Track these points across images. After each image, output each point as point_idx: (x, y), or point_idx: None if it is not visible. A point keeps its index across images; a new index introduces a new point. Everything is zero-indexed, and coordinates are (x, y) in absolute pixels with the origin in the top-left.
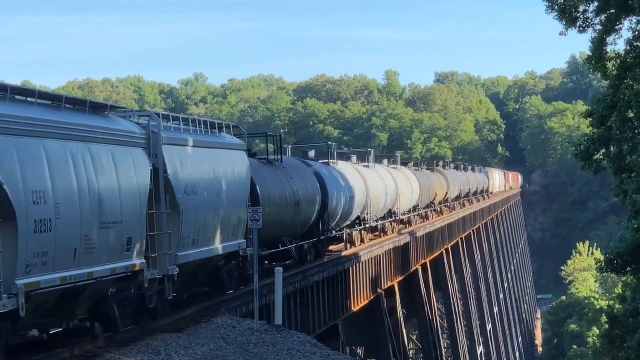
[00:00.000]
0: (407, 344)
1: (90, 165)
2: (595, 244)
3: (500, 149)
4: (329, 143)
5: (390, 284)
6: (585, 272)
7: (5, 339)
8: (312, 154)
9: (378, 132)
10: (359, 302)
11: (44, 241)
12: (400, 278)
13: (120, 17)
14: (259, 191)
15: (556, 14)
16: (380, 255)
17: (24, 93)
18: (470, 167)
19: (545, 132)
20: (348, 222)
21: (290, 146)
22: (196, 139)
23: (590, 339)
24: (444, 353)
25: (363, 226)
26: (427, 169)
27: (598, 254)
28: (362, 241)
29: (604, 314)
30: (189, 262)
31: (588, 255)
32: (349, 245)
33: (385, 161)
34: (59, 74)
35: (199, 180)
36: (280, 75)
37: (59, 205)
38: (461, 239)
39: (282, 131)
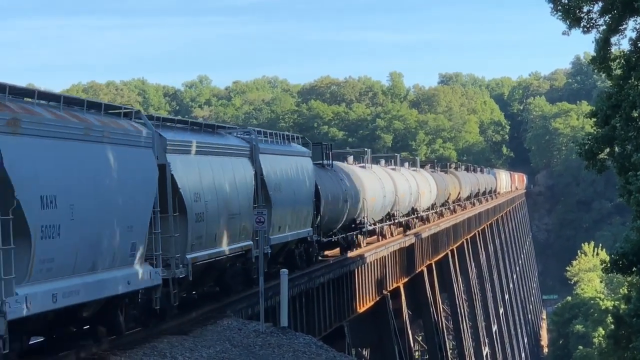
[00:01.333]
0: (412, 345)
1: (221, 173)
2: (600, 244)
3: (504, 149)
4: (365, 149)
5: (395, 285)
6: (590, 273)
7: (175, 296)
8: (350, 159)
9: (382, 133)
10: (365, 303)
11: (199, 228)
12: (406, 279)
13: (124, 20)
14: (320, 190)
15: (560, 14)
16: (385, 257)
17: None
18: (479, 169)
19: (549, 132)
20: (380, 217)
21: (331, 152)
22: (278, 148)
23: (595, 340)
24: (449, 354)
25: (392, 221)
26: (441, 171)
27: (603, 255)
28: (392, 234)
29: (609, 314)
30: (277, 244)
31: (593, 255)
32: (381, 237)
33: (407, 164)
34: (63, 77)
35: (282, 181)
36: (285, 77)
37: (207, 203)
38: (466, 239)
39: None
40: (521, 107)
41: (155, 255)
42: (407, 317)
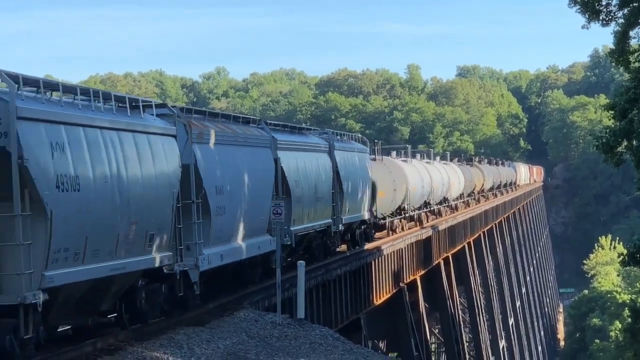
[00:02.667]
0: (429, 337)
1: (310, 165)
2: (617, 238)
3: (522, 142)
4: (406, 145)
5: (412, 277)
6: (607, 266)
7: (283, 259)
8: (393, 154)
9: (400, 125)
10: (381, 295)
11: (298, 207)
12: (422, 272)
13: (141, 11)
14: (375, 180)
15: (579, 7)
16: (402, 249)
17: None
18: (500, 162)
19: (567, 125)
20: (419, 205)
21: (376, 147)
22: (347, 146)
23: (612, 333)
24: (466, 347)
25: (427, 208)
26: (467, 164)
27: (620, 248)
28: (427, 220)
29: (626, 308)
30: (346, 223)
31: (610, 249)
32: (418, 223)
33: (438, 158)
34: (81, 68)
35: (350, 172)
36: (302, 69)
37: (303, 188)
38: (483, 232)
39: (303, 125)
40: (539, 100)
41: (272, 227)
42: (423, 309)
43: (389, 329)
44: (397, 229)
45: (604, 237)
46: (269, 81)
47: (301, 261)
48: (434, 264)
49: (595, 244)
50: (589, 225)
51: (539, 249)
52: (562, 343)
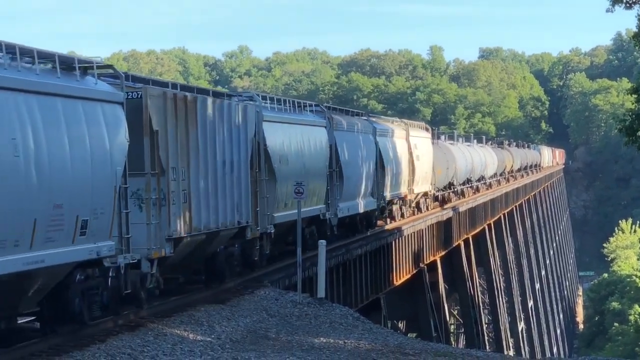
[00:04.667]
0: (448, 318)
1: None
2: (638, 222)
3: (543, 125)
4: (454, 131)
5: (432, 258)
6: (627, 250)
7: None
8: (443, 137)
9: (422, 106)
10: (401, 276)
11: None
12: (442, 253)
13: None
14: (434, 160)
15: None
16: (422, 230)
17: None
18: (526, 145)
19: (589, 109)
20: (462, 181)
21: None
22: (421, 134)
23: (631, 317)
24: (484, 328)
25: (470, 184)
26: (498, 147)
27: None
28: (469, 195)
29: None
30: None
31: (630, 232)
32: (461, 197)
33: (475, 141)
34: (104, 45)
35: (421, 154)
36: (325, 49)
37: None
38: (503, 214)
39: (325, 104)
40: (561, 83)
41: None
42: (443, 290)
43: (408, 309)
44: (448, 201)
45: (624, 220)
46: (292, 60)
47: (322, 240)
48: (454, 245)
49: (616, 228)
50: (610, 209)
51: (559, 231)
52: (581, 326)
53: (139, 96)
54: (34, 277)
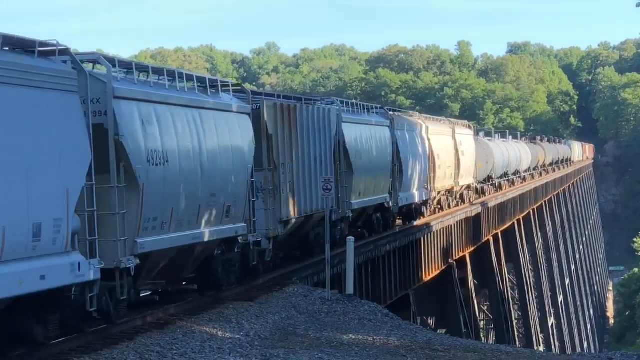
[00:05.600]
0: (477, 314)
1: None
2: None
3: (572, 120)
4: (491, 128)
5: (461, 254)
6: None
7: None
8: (481, 134)
9: (450, 102)
10: (430, 272)
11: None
12: (472, 248)
13: None
14: (477, 155)
15: None
16: (451, 226)
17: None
18: (558, 140)
19: (618, 103)
20: (499, 175)
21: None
22: (466, 132)
23: None
24: (514, 324)
25: (506, 178)
26: (531, 142)
27: None
28: (506, 187)
29: None
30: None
31: None
32: (498, 189)
33: (511, 137)
34: (132, 43)
35: (466, 150)
36: (352, 45)
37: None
38: (533, 209)
39: (353, 101)
40: (590, 78)
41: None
42: (472, 286)
43: (438, 305)
44: (488, 192)
45: None
46: (320, 57)
47: (350, 237)
48: (483, 241)
49: None
50: None
51: (589, 226)
52: (611, 321)
53: (258, 107)
54: (196, 249)
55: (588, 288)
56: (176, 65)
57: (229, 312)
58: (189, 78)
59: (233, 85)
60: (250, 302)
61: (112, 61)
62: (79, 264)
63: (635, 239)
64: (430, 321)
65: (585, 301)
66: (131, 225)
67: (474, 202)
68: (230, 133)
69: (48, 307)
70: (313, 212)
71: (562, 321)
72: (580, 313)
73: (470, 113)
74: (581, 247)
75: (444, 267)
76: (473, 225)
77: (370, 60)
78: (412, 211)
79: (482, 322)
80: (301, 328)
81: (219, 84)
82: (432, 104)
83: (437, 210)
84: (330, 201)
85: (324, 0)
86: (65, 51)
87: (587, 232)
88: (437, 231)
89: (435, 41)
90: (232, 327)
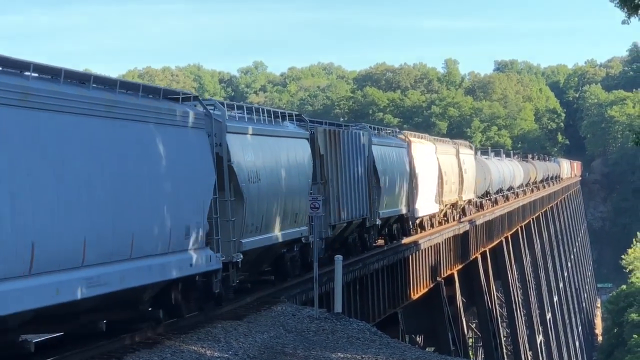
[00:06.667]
0: (466, 332)
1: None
2: None
3: (560, 137)
4: (489, 148)
5: (449, 272)
6: None
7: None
8: (479, 153)
9: (437, 120)
10: (419, 290)
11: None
12: (460, 266)
13: (179, 6)
14: (475, 172)
15: (618, 2)
16: (439, 244)
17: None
18: (547, 158)
19: (605, 120)
20: (495, 190)
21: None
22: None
23: None
24: (503, 342)
25: (502, 193)
26: (522, 160)
27: None
28: (501, 203)
29: None
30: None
31: None
32: (495, 204)
33: (504, 155)
34: (119, 62)
35: (468, 168)
36: (340, 63)
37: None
38: (521, 227)
39: (341, 119)
40: (577, 95)
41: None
42: (461, 304)
43: (426, 323)
44: (485, 207)
45: None
46: (307, 76)
47: (338, 255)
48: (471, 259)
49: (634, 239)
50: (627, 220)
51: (577, 243)
52: (599, 338)
53: (313, 133)
54: (274, 247)
55: (576, 305)
56: (164, 84)
57: (218, 331)
58: (264, 112)
59: (296, 115)
60: (238, 320)
61: (222, 104)
62: (210, 256)
63: (623, 256)
64: (419, 339)
65: (573, 318)
66: (238, 229)
67: (462, 220)
68: (296, 155)
69: (190, 288)
70: (352, 219)
71: (551, 338)
72: (568, 330)
73: (458, 131)
74: (569, 264)
75: (432, 285)
76: (461, 243)
77: (357, 79)
78: (425, 221)
79: (470, 340)
80: (290, 347)
81: (286, 114)
82: (420, 122)
83: (443, 222)
84: (318, 219)
85: (311, 18)
86: (196, 97)
87: (575, 250)
88: (425, 249)
89: (423, 59)
90: (220, 346)
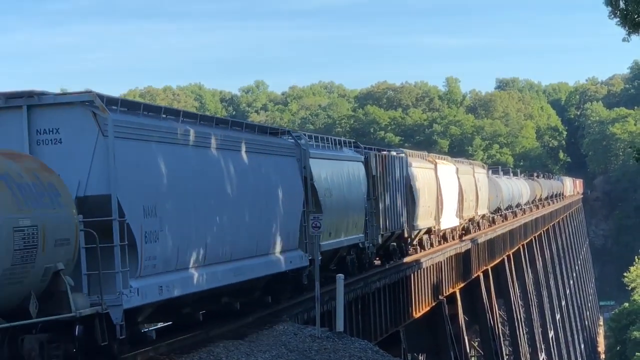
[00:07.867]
0: (468, 350)
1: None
2: None
3: (561, 155)
4: (499, 167)
5: (451, 290)
6: None
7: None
8: (490, 172)
9: (439, 138)
10: (421, 308)
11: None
12: (462, 284)
13: (180, 25)
14: (489, 190)
15: (618, 19)
16: (441, 262)
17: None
18: (551, 176)
19: (606, 138)
20: (506, 206)
21: (484, 167)
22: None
23: None
24: None
25: (511, 209)
26: (528, 178)
27: None
28: (510, 218)
29: None
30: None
31: None
32: (505, 219)
33: (510, 173)
34: (120, 82)
35: (482, 186)
36: (341, 82)
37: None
38: (522, 245)
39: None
40: (578, 113)
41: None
42: (463, 322)
43: (428, 342)
44: (496, 222)
45: None
46: (308, 94)
47: (340, 274)
48: (473, 277)
49: (636, 257)
50: (629, 238)
51: (579, 261)
52: (602, 356)
53: (366, 157)
54: (342, 249)
55: (579, 323)
56: (165, 104)
57: (219, 351)
58: (329, 140)
59: (353, 142)
60: (240, 340)
61: (304, 133)
62: (301, 256)
63: (625, 274)
64: (421, 358)
65: (576, 336)
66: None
67: (464, 239)
68: (355, 175)
69: (285, 281)
70: (395, 230)
71: (553, 356)
72: (571, 348)
73: (459, 149)
74: (571, 282)
75: (434, 304)
76: (463, 262)
77: (358, 97)
78: (448, 233)
79: (473, 358)
80: None
81: (345, 141)
82: (421, 140)
83: (462, 235)
84: (318, 238)
85: (312, 37)
86: (288, 132)
87: (577, 267)
88: (426, 267)
89: (424, 78)
90: None
